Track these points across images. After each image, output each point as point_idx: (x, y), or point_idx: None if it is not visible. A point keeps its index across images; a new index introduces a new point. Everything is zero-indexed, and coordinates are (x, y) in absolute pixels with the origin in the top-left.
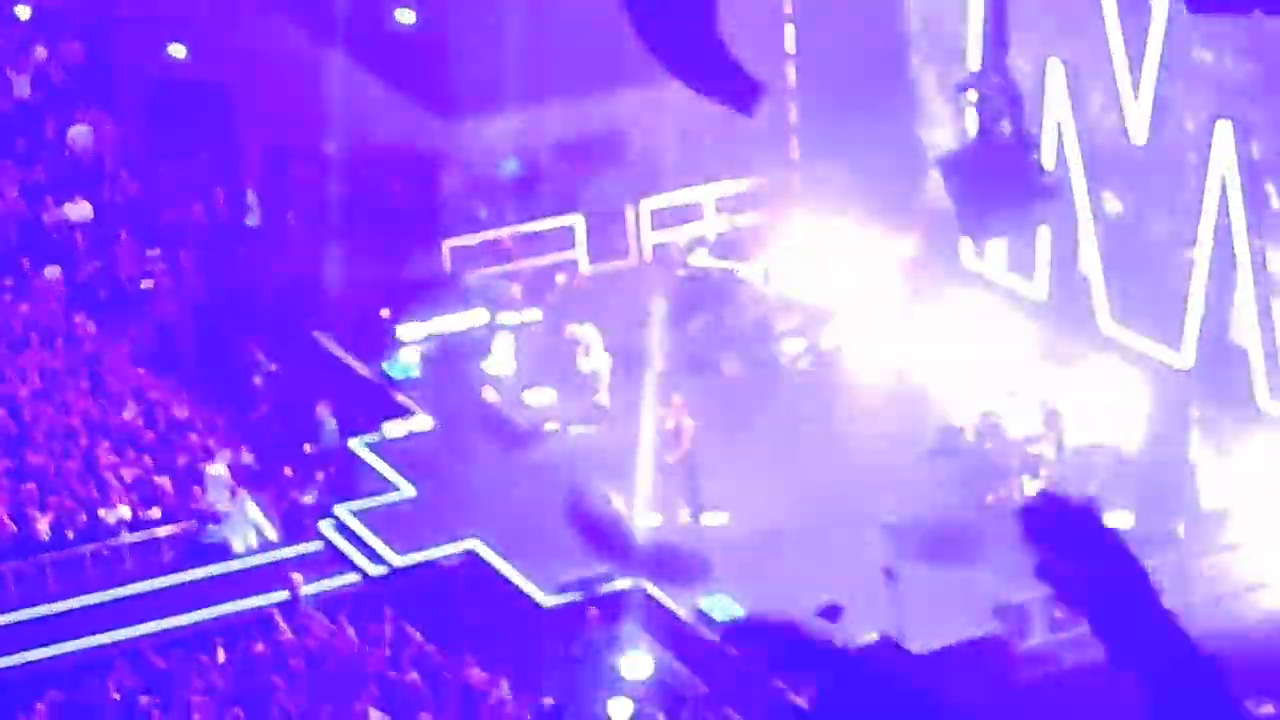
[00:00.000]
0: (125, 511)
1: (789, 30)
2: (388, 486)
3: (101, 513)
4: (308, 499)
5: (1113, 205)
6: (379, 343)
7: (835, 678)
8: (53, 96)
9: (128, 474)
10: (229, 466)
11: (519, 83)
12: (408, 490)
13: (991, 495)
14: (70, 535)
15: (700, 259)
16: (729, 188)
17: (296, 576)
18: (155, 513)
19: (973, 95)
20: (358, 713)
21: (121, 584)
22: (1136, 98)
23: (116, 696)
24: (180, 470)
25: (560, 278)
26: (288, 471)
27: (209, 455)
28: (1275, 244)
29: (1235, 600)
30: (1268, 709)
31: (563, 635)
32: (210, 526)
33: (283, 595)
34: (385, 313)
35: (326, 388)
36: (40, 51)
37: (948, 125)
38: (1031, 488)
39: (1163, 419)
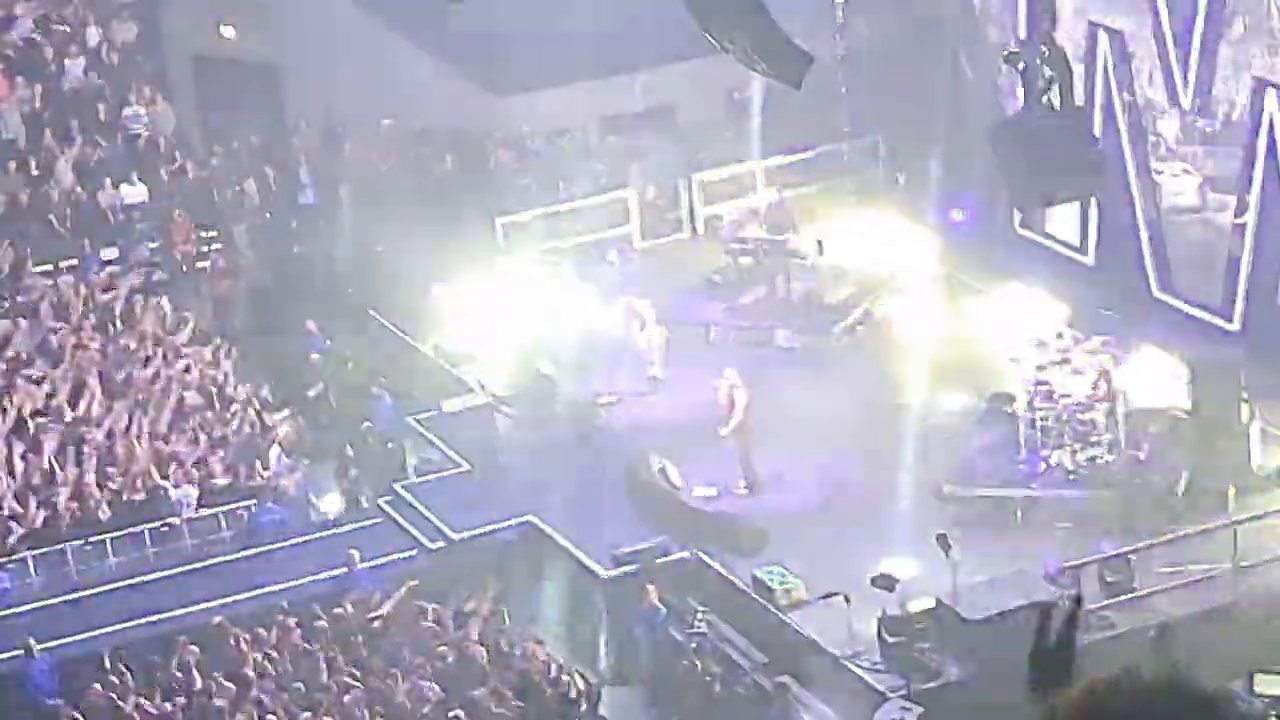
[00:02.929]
0: (186, 489)
1: (839, 3)
2: (445, 462)
3: (166, 489)
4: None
5: None
6: (434, 319)
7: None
8: (106, 77)
9: (188, 452)
10: (288, 444)
11: (570, 57)
12: (465, 465)
13: (1043, 462)
14: (132, 514)
15: (751, 231)
16: (779, 159)
17: (353, 553)
18: (215, 490)
19: (1021, 66)
20: (416, 687)
21: (182, 562)
22: (1185, 66)
23: (179, 675)
24: (239, 448)
25: (611, 254)
26: (347, 449)
27: (268, 433)
28: None
29: None
30: None
31: (621, 606)
32: (270, 504)
33: (342, 571)
34: (437, 290)
35: (383, 364)
36: (94, 33)
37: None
38: (1083, 454)
39: (1213, 383)
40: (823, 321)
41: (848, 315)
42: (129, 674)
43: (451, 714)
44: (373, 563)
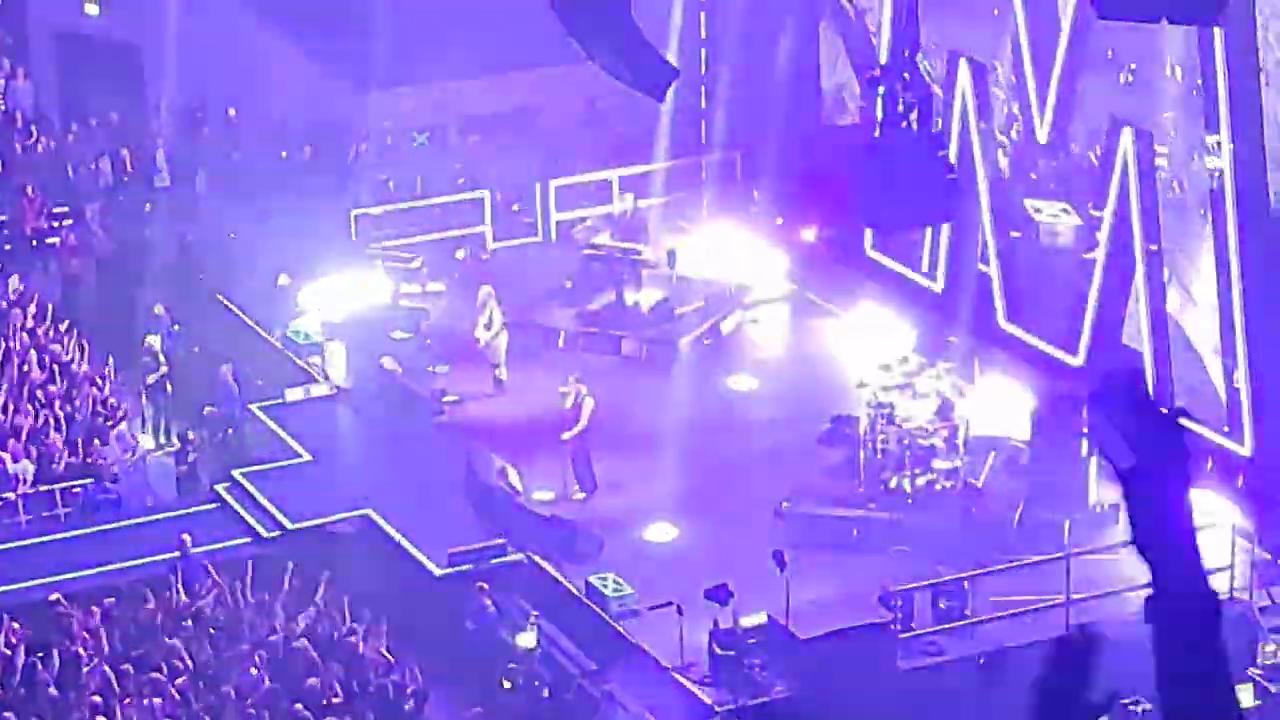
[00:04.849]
0: (24, 464)
1: (702, 17)
2: (286, 451)
3: (3, 462)
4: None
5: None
6: (283, 308)
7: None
8: None
9: (26, 428)
10: (130, 425)
11: (435, 57)
12: (305, 456)
13: (882, 485)
14: None
15: (604, 239)
16: (636, 169)
17: (185, 537)
18: (53, 467)
19: (881, 90)
20: (246, 675)
21: (16, 537)
22: (1043, 99)
23: (4, 651)
24: (81, 427)
25: (460, 252)
26: (189, 433)
27: (110, 413)
28: (1171, 248)
29: (1118, 598)
30: (1145, 707)
31: (453, 605)
32: (108, 484)
33: (176, 555)
34: (284, 279)
35: (229, 350)
36: None
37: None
38: (922, 479)
39: (1054, 416)
40: (670, 333)
41: (696, 328)
42: None
43: (279, 703)
44: (207, 548)
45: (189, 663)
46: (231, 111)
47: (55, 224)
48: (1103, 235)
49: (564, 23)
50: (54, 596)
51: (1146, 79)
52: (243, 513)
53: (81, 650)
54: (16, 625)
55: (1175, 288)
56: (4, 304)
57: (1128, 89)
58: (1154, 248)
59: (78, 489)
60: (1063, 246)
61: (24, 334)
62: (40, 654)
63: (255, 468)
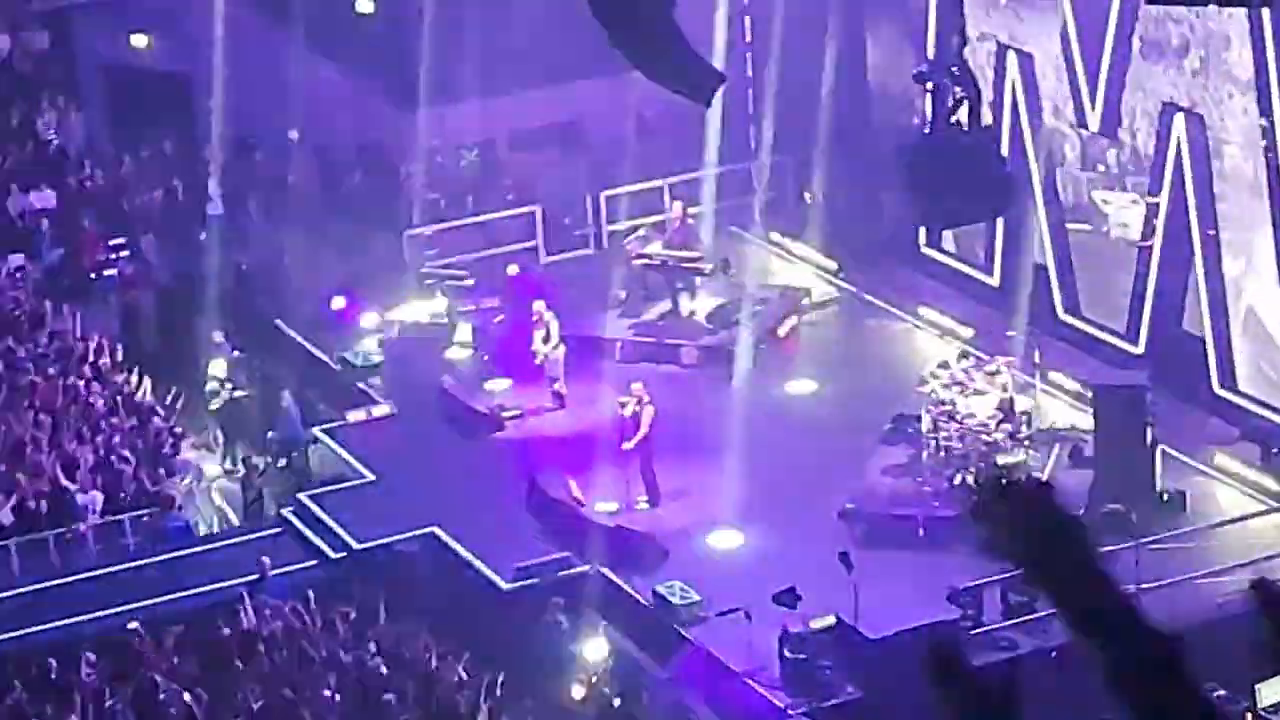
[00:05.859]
0: (92, 495)
1: (747, 21)
2: (349, 473)
3: (71, 494)
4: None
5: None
6: (341, 331)
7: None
8: (17, 85)
9: (93, 459)
10: (193, 452)
11: (478, 72)
12: (368, 476)
13: (946, 482)
14: (35, 520)
15: (657, 248)
16: (686, 176)
17: (265, 560)
18: (120, 497)
19: (930, 86)
20: (319, 696)
21: (86, 568)
22: (1094, 88)
23: (82, 681)
24: (145, 455)
25: (512, 268)
26: (254, 459)
27: (175, 441)
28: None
29: (1188, 586)
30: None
31: (522, 619)
32: (175, 510)
33: (246, 579)
34: (339, 302)
35: (289, 375)
36: (4, 41)
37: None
38: (986, 474)
39: (1117, 406)
40: (728, 340)
41: (753, 334)
42: (32, 680)
43: None
44: (276, 571)
45: (265, 686)
46: (294, 134)
47: (113, 256)
48: (1159, 222)
49: (608, 32)
50: (132, 625)
51: (1211, 64)
52: (309, 535)
53: (159, 678)
54: (93, 655)
55: (1246, 271)
56: (68, 338)
57: (1194, 75)
58: (1211, 233)
59: (146, 518)
60: (1133, 238)
61: (86, 366)
62: (118, 683)
63: (320, 490)
